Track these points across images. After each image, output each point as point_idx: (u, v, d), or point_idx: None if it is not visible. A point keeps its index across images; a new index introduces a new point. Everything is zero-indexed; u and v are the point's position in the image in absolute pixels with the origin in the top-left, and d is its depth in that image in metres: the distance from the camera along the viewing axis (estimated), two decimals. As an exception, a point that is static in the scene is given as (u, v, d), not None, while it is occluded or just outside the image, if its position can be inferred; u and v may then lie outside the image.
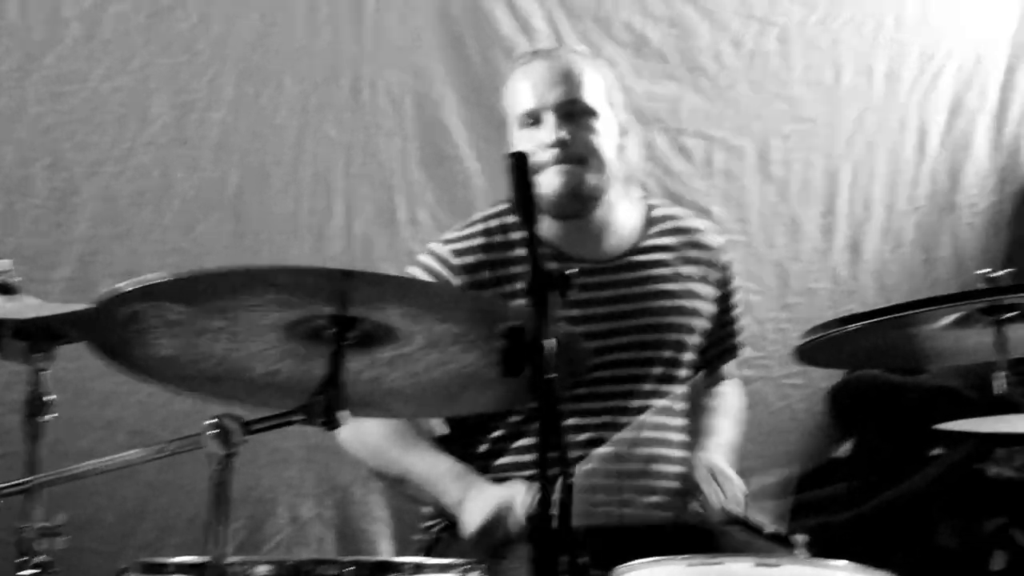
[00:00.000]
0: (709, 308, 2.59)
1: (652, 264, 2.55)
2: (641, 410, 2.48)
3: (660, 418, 2.51)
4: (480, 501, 2.35)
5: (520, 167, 1.44)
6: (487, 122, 2.70)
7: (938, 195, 3.88)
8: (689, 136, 3.65)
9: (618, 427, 2.46)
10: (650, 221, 2.59)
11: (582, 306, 2.45)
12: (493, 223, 2.51)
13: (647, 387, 2.50)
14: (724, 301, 2.63)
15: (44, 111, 3.07)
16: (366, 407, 1.98)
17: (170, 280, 1.65)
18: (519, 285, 2.41)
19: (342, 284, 1.71)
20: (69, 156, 3.08)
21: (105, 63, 3.10)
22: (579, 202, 2.46)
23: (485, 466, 2.48)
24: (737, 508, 2.37)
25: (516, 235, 2.48)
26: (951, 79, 3.88)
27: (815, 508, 3.39)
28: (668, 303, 2.54)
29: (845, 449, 3.61)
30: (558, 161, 2.42)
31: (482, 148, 3.35)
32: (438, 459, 2.46)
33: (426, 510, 2.55)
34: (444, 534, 2.47)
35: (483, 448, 2.49)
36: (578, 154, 2.43)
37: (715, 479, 2.40)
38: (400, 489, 2.57)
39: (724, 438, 2.59)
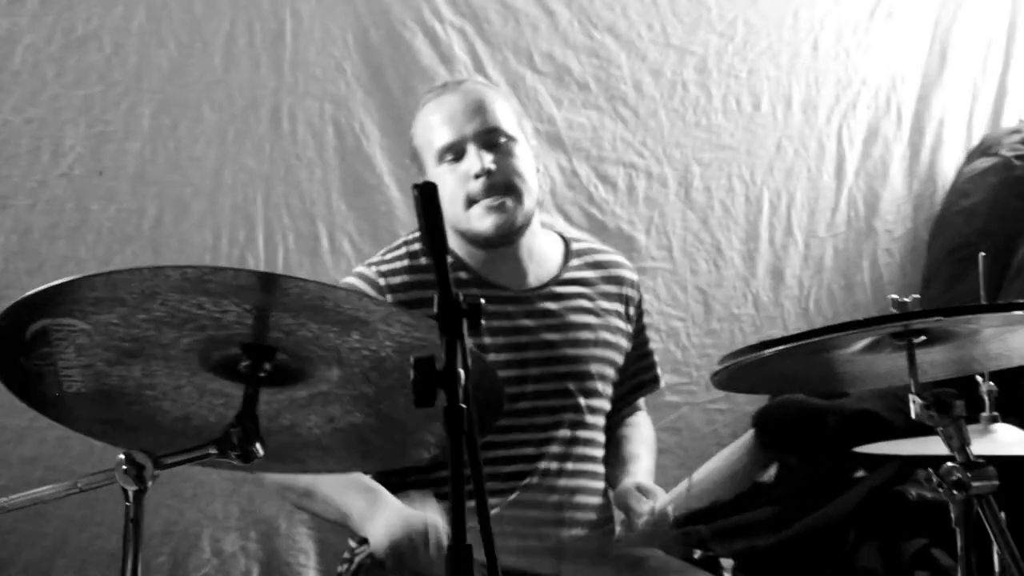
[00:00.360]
0: (625, 343, 2.60)
1: (573, 296, 2.54)
2: (563, 441, 2.48)
3: (582, 449, 2.51)
4: (389, 520, 2.25)
5: (427, 197, 1.44)
6: (408, 151, 2.70)
7: (856, 221, 3.95)
8: (611, 164, 3.68)
9: (541, 458, 2.45)
10: (570, 254, 2.59)
11: (504, 334, 2.45)
12: (416, 246, 2.50)
13: (568, 417, 2.50)
14: (638, 335, 2.64)
15: (-45, 143, 3.02)
16: (280, 461, 1.95)
17: (64, 283, 1.61)
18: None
19: (261, 296, 1.68)
20: (-20, 189, 3.04)
21: (16, 94, 3.04)
22: (511, 235, 2.46)
23: (403, 483, 2.41)
24: (664, 524, 2.35)
25: None
26: (867, 107, 3.96)
27: (741, 532, 3.41)
28: (588, 335, 2.53)
29: (770, 474, 3.64)
30: (488, 192, 2.41)
31: (403, 177, 3.35)
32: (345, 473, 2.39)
33: (351, 542, 2.52)
34: (368, 560, 2.42)
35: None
36: (505, 182, 2.42)
37: (644, 496, 2.37)
38: (307, 506, 2.48)
39: (645, 464, 2.59)
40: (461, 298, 1.46)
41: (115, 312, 1.66)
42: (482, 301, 1.46)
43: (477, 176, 2.41)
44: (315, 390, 1.82)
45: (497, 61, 3.54)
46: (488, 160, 2.41)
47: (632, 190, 3.70)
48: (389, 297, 2.42)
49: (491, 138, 2.44)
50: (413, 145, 2.54)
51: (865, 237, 3.96)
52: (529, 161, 2.49)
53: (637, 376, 2.65)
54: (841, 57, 3.94)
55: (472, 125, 2.44)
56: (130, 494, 1.70)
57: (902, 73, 4.00)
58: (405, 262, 2.48)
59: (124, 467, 1.69)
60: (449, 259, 2.38)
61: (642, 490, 2.39)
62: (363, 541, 2.44)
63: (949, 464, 1.95)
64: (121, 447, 1.75)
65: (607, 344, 2.55)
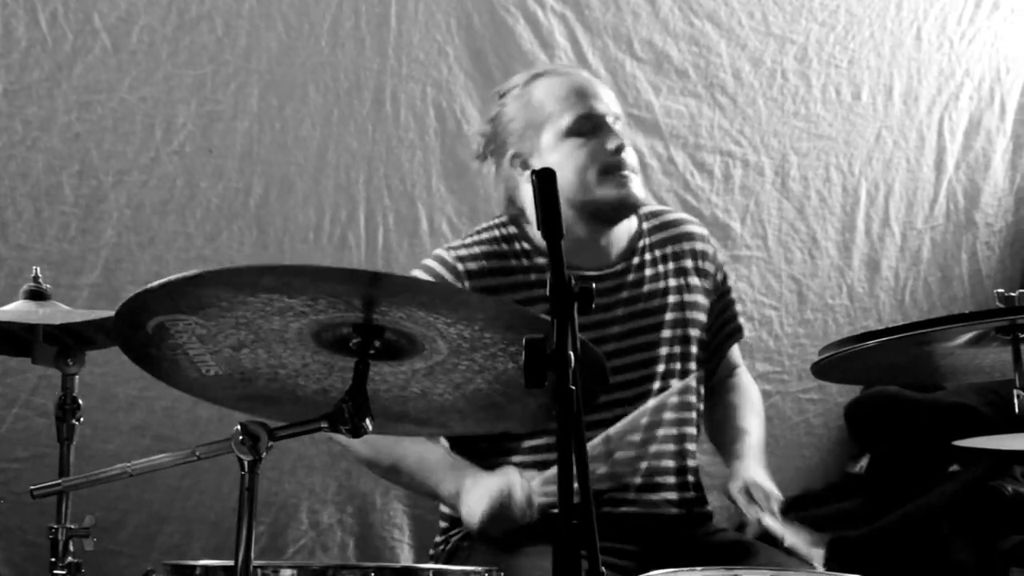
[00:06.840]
0: (704, 300, 2.60)
1: (649, 264, 2.56)
2: (653, 410, 2.46)
3: (672, 414, 2.50)
4: (478, 491, 2.34)
5: (546, 183, 1.47)
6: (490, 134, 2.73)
7: (955, 214, 3.91)
8: (708, 152, 3.68)
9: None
10: (644, 228, 2.59)
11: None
12: (496, 232, 2.54)
13: (656, 387, 2.50)
14: (719, 288, 2.64)
15: (73, 120, 3.10)
16: (425, 425, 2.02)
17: (173, 282, 1.66)
18: (519, 295, 2.43)
19: (366, 288, 1.73)
20: (97, 164, 3.12)
21: (132, 73, 3.14)
22: (631, 210, 2.50)
23: (494, 464, 2.44)
24: (774, 523, 2.34)
25: (517, 246, 2.51)
26: (969, 99, 3.91)
27: (831, 522, 3.40)
28: (671, 299, 2.55)
29: (861, 464, 3.63)
30: (625, 165, 2.46)
31: (503, 161, 3.38)
32: (427, 448, 2.46)
33: (443, 524, 2.56)
34: (463, 543, 2.48)
35: (492, 446, 2.47)
36: (634, 163, 2.48)
37: (752, 496, 2.37)
38: (393, 479, 2.60)
39: (754, 438, 2.56)
40: (573, 282, 1.49)
41: (217, 306, 1.72)
42: (594, 285, 1.49)
43: (617, 150, 2.45)
44: (431, 361, 1.86)
45: (597, 47, 3.56)
46: (624, 138, 2.48)
47: (728, 178, 3.70)
48: (466, 283, 2.45)
49: (620, 122, 2.51)
50: (508, 128, 2.53)
51: (964, 230, 3.91)
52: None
53: (723, 328, 2.65)
54: (944, 48, 3.89)
55: (607, 104, 2.50)
56: (245, 464, 1.75)
57: (1007, 64, 3.95)
58: (485, 247, 2.51)
59: (240, 438, 1.74)
60: (525, 246, 2.48)
61: (751, 489, 2.37)
62: (453, 519, 2.49)
63: (1051, 460, 1.94)
64: (268, 419, 1.79)
65: (691, 305, 2.56)
